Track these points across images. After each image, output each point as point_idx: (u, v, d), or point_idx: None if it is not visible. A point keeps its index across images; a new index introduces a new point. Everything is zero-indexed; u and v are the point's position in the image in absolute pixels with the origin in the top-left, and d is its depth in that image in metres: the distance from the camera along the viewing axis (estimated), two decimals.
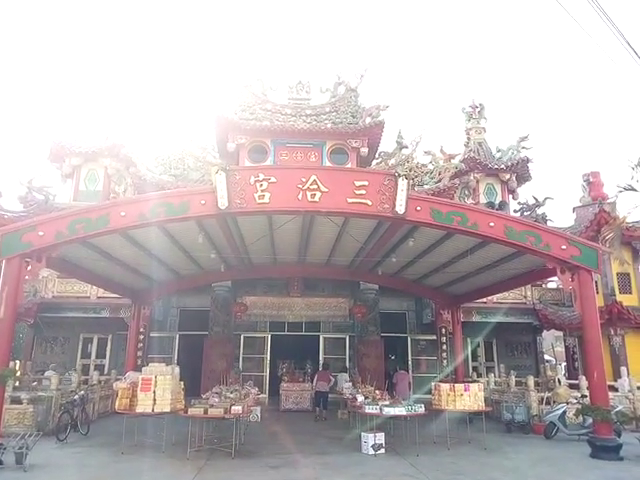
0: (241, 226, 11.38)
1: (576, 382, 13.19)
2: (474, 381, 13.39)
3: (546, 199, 18.45)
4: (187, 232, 10.79)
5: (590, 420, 9.79)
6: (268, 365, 17.62)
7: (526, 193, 21.50)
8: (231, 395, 10.36)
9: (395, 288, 16.68)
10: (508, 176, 19.61)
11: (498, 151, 20.68)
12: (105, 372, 16.31)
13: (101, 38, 63.80)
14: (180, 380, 10.14)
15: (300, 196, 8.92)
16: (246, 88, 17.92)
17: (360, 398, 10.78)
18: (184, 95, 72.31)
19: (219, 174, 8.80)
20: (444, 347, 17.20)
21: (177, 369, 10.15)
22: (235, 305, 17.17)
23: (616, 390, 12.94)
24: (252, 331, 18.05)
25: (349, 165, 17.05)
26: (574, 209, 17.94)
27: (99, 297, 16.62)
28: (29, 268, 8.92)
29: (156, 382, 9.07)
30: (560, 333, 19.92)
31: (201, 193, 9.26)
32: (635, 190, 10.72)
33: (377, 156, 18.52)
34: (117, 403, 9.41)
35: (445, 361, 16.97)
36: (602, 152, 73.35)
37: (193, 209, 8.99)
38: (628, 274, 16.87)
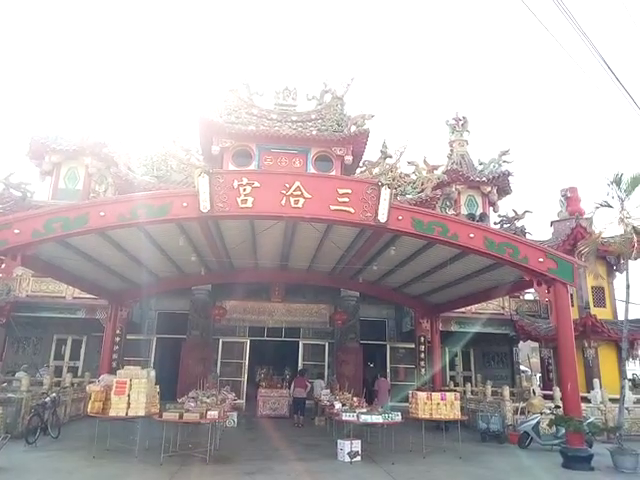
0: (223, 230, 11.32)
1: (550, 393, 13.40)
2: (451, 390, 13.50)
3: (525, 212, 18.84)
4: (168, 234, 10.68)
5: (563, 430, 9.92)
6: (246, 370, 17.47)
7: (506, 206, 21.94)
8: (207, 400, 10.23)
9: (375, 296, 16.78)
10: (489, 189, 19.95)
11: (480, 164, 21.04)
12: (79, 374, 15.96)
13: (86, 36, 63.06)
14: (156, 384, 10.00)
15: (283, 202, 8.91)
16: (232, 92, 17.90)
17: (338, 405, 10.79)
18: (169, 96, 71.81)
19: (202, 177, 8.75)
20: (422, 356, 17.32)
21: (153, 372, 10.01)
22: (214, 309, 17.01)
23: (589, 401, 13.18)
24: (231, 336, 17.90)
25: (333, 173, 17.12)
26: (552, 223, 18.29)
27: (75, 297, 16.28)
28: (3, 266, 8.74)
29: (131, 385, 8.93)
30: (536, 344, 20.24)
31: (183, 195, 9.19)
32: (611, 206, 11.04)
33: (361, 165, 18.66)
34: (90, 406, 9.24)
35: (423, 370, 17.09)
36: (580, 168, 75.21)
37: (174, 211, 8.91)
38: (602, 288, 17.24)
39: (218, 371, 16.91)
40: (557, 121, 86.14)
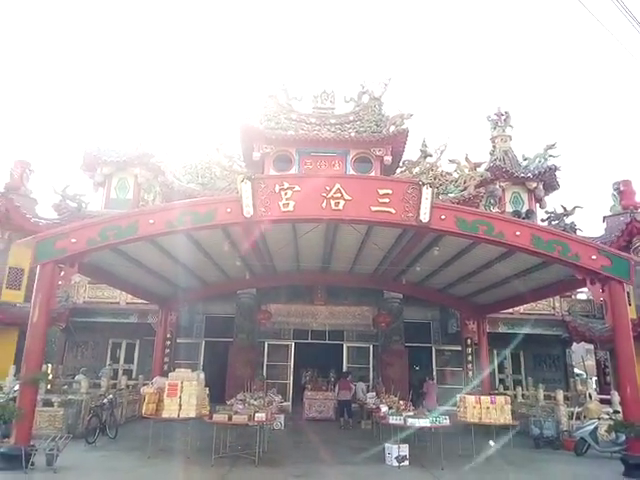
0: (266, 234, 11.50)
1: (608, 397, 12.74)
2: (501, 394, 13.11)
3: (575, 208, 18.02)
4: (213, 240, 10.96)
5: (623, 437, 9.42)
6: (292, 373, 17.65)
7: (554, 202, 21.10)
8: (255, 402, 10.40)
9: (419, 297, 16.52)
10: (535, 184, 19.31)
11: (524, 159, 20.40)
12: (133, 377, 16.61)
13: (130, 50, 65.77)
14: (205, 386, 10.26)
15: (324, 204, 8.95)
16: (271, 98, 18.17)
17: (384, 408, 10.69)
18: (211, 105, 73.73)
19: (245, 183, 8.93)
20: (469, 358, 16.90)
21: (202, 375, 10.29)
22: (259, 312, 17.30)
23: None
24: (276, 339, 18.14)
25: (373, 174, 17.05)
26: (604, 218, 17.47)
27: (128, 303, 16.98)
28: (62, 274, 9.20)
29: (182, 388, 9.21)
30: (591, 346, 19.32)
31: (227, 201, 9.38)
32: None
33: (401, 165, 18.47)
34: (144, 408, 9.57)
35: (471, 372, 16.66)
36: (633, 160, 71.26)
37: (219, 217, 9.12)
38: None
39: (264, 373, 17.16)
40: (610, 112, 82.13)
